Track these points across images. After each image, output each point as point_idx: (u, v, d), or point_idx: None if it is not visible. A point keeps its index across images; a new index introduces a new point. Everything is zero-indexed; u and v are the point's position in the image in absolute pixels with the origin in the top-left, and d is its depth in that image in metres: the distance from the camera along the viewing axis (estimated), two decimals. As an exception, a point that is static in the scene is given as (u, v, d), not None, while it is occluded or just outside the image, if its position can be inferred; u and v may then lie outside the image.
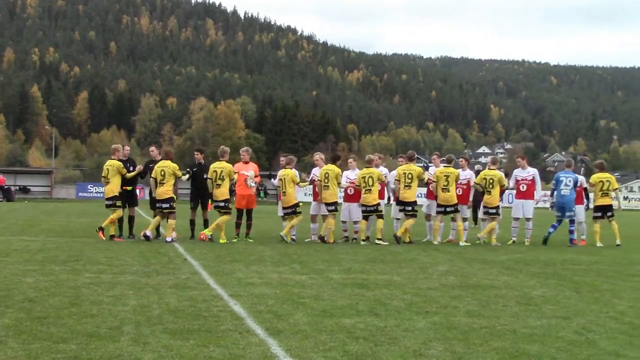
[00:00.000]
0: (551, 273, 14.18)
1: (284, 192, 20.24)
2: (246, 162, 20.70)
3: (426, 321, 8.97)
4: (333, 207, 20.49)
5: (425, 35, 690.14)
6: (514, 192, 22.41)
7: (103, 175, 20.41)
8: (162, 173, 19.59)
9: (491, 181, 20.95)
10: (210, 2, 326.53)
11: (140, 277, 12.35)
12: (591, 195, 22.60)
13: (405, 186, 20.55)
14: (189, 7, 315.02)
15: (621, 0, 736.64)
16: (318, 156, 21.95)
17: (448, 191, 20.60)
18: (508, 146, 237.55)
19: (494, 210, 21.04)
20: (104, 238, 19.67)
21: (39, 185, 67.19)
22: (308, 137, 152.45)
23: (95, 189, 63.45)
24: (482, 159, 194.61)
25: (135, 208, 21.51)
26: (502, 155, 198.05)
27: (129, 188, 20.76)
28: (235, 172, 20.06)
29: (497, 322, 8.98)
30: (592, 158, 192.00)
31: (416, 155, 21.78)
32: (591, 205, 22.47)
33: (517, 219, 21.68)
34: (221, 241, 19.57)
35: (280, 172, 20.58)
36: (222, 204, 19.94)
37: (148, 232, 19.50)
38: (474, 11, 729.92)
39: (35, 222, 28.05)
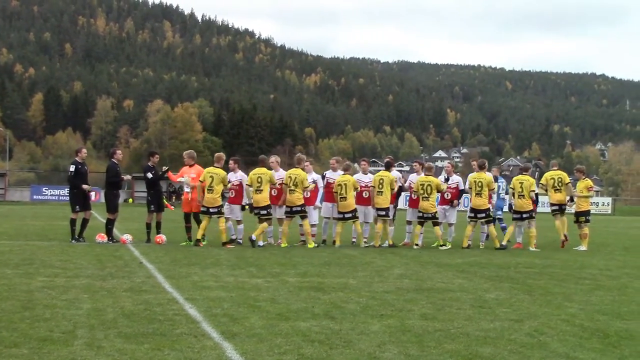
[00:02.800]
0: (505, 276, 14.33)
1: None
2: (191, 166, 20.67)
3: (381, 324, 9.02)
4: (384, 212, 20.85)
5: (382, 39, 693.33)
6: (469, 195, 22.53)
7: (201, 180, 20.07)
8: (259, 180, 19.88)
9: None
10: (168, 4, 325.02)
11: (95, 280, 12.26)
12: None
13: (477, 194, 20.99)
14: (146, 9, 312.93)
15: (573, 8, 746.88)
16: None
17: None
18: (464, 150, 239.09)
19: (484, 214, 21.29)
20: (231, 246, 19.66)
21: (-5, 187, 66.33)
22: (265, 141, 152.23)
23: (50, 192, 62.76)
24: (439, 163, 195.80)
25: (91, 212, 21.30)
26: (458, 160, 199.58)
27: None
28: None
29: (451, 325, 9.07)
30: (546, 163, 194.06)
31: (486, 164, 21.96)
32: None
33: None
34: (283, 245, 20.02)
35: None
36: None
37: (254, 237, 19.68)
38: (430, 16, 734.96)
39: (-12, 225, 27.70)
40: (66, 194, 34.60)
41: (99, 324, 8.65)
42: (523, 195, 21.09)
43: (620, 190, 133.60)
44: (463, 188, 22.06)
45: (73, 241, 19.85)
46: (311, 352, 7.52)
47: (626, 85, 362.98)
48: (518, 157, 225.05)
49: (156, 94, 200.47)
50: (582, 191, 22.11)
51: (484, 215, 21.04)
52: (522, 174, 21.80)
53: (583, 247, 21.51)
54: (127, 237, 19.93)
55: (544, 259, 18.39)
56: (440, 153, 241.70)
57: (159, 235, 20.13)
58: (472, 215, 21.14)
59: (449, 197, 21.36)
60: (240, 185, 20.31)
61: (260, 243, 20.04)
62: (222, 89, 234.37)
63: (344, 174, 20.95)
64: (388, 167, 21.89)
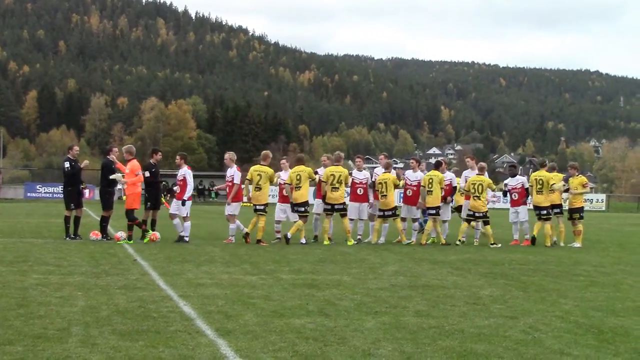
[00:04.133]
0: (499, 273, 14.35)
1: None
2: (128, 161, 20.46)
3: (375, 321, 9.03)
4: (434, 211, 21.09)
5: (376, 36, 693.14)
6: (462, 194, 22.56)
7: (249, 178, 20.26)
8: (298, 177, 19.96)
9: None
10: (161, 1, 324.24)
11: (89, 277, 12.25)
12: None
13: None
14: (139, 7, 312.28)
15: (567, 4, 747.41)
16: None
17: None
18: (458, 147, 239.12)
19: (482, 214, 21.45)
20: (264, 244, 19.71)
21: (-12, 185, 66.14)
22: (259, 138, 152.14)
23: (44, 189, 62.61)
24: (433, 160, 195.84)
25: (83, 209, 21.26)
26: (452, 157, 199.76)
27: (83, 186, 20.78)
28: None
29: (445, 322, 9.07)
30: (541, 160, 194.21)
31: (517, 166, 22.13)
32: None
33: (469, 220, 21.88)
34: (325, 243, 20.14)
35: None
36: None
37: (289, 234, 19.88)
38: (423, 13, 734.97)
39: (-18, 222, 27.64)
40: (60, 191, 34.55)
41: (93, 321, 8.64)
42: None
43: (614, 186, 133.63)
44: (456, 185, 22.12)
45: (67, 238, 19.83)
46: (306, 349, 7.52)
47: (620, 82, 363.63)
48: (512, 154, 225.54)
49: (150, 91, 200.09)
50: (576, 188, 22.14)
51: (482, 215, 21.15)
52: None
53: (577, 244, 21.57)
54: (121, 235, 19.89)
55: (539, 255, 18.41)
56: (434, 150, 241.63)
57: (153, 232, 20.09)
58: (471, 214, 21.21)
59: (443, 194, 21.37)
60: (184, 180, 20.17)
61: (303, 240, 20.22)
62: (216, 86, 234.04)
63: (385, 172, 21.28)
64: (438, 166, 22.06)
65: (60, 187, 39.14)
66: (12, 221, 28.62)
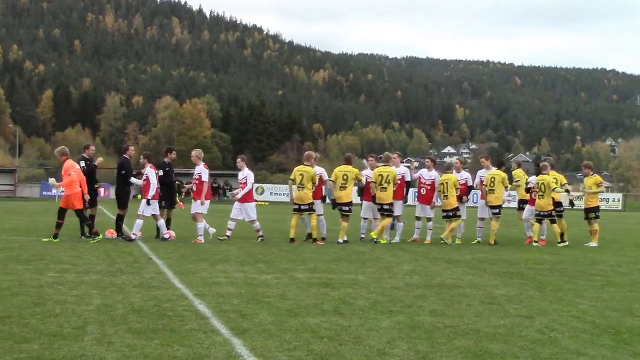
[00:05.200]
0: (515, 272, 14.30)
1: (302, 187, 20.13)
2: (63, 162, 20.32)
3: (390, 320, 9.00)
4: (498, 210, 21.49)
5: (391, 35, 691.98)
6: (479, 192, 22.54)
7: (292, 178, 20.38)
8: (345, 177, 20.20)
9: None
10: (176, 0, 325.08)
11: (104, 276, 12.28)
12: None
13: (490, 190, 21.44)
14: (154, 6, 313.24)
15: (583, 2, 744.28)
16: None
17: (385, 190, 20.59)
18: (473, 146, 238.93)
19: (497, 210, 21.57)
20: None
21: (2, 183, 66.47)
22: (274, 137, 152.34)
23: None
24: (447, 159, 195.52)
25: (97, 207, 21.32)
26: (467, 156, 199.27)
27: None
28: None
29: (461, 321, 9.04)
30: (556, 159, 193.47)
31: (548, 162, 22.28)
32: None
33: (482, 218, 21.82)
34: (382, 242, 20.31)
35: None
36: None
37: (341, 240, 20.09)
38: (438, 11, 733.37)
39: (-2, 221, 27.77)
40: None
41: (108, 319, 8.65)
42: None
43: (631, 186, 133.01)
44: (472, 184, 22.10)
45: (83, 237, 19.89)
46: (320, 348, 7.50)
47: (636, 81, 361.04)
48: (527, 153, 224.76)
49: (165, 90, 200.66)
50: (590, 187, 22.04)
51: (547, 214, 21.22)
52: (445, 172, 21.80)
53: (593, 244, 21.48)
54: (137, 234, 19.93)
55: (554, 255, 18.34)
56: (449, 149, 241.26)
57: (168, 231, 20.10)
58: (538, 214, 21.14)
59: (459, 194, 21.35)
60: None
61: (344, 239, 20.30)
62: (231, 85, 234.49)
63: (446, 173, 21.41)
64: (500, 166, 22.38)
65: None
66: (28, 220, 28.76)
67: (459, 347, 7.73)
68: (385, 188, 20.37)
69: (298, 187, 20.04)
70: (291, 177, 20.49)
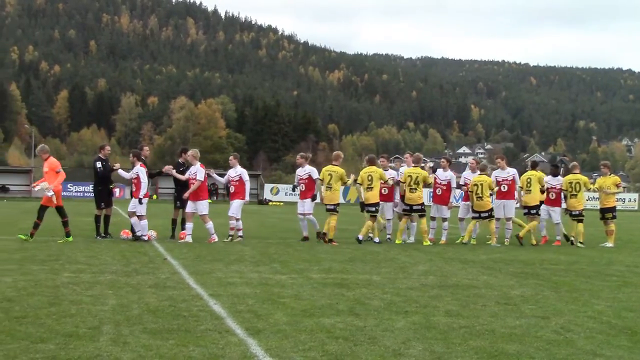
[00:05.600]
0: (530, 273, 14.25)
1: (330, 187, 20.25)
2: (45, 160, 20.28)
3: (406, 321, 8.99)
4: (535, 211, 21.62)
5: (406, 35, 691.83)
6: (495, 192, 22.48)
7: (321, 178, 20.46)
8: (370, 178, 20.20)
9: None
10: (191, 1, 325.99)
11: (120, 276, 12.30)
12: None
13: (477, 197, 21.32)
14: (169, 6, 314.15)
15: (599, 1, 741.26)
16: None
17: (481, 199, 21.09)
18: (488, 146, 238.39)
19: (534, 210, 21.71)
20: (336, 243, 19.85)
21: (18, 184, 66.62)
22: (289, 137, 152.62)
23: (75, 188, 63.06)
24: (463, 159, 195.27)
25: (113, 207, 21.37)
26: (482, 156, 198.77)
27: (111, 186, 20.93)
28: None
29: (476, 322, 9.02)
30: (571, 159, 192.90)
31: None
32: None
33: (497, 219, 21.76)
34: (397, 242, 20.45)
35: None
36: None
37: (360, 237, 20.10)
38: (453, 11, 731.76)
39: (14, 221, 27.88)
40: (90, 190, 34.75)
41: (124, 319, 8.67)
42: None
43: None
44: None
45: (98, 237, 19.95)
46: (335, 349, 7.49)
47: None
48: (543, 153, 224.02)
49: (180, 90, 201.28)
50: (609, 187, 22.00)
51: (577, 213, 21.42)
52: (480, 174, 21.86)
53: (610, 244, 21.42)
54: (151, 233, 19.97)
55: (570, 255, 18.28)
56: (464, 149, 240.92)
57: (183, 231, 20.12)
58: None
59: (441, 194, 21.44)
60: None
61: (377, 239, 20.43)
62: (246, 85, 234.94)
63: (480, 174, 21.51)
64: (534, 166, 22.75)
65: (90, 186, 39.36)
66: (43, 220, 28.80)
67: (475, 347, 7.71)
68: (415, 189, 20.51)
69: (326, 187, 20.09)
70: (320, 176, 20.51)
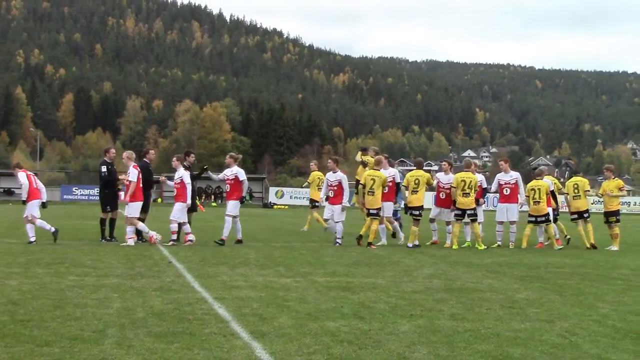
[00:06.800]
0: (535, 276, 14.23)
1: (372, 192, 20.27)
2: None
3: (410, 324, 8.99)
4: (587, 215, 21.83)
5: (410, 38, 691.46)
6: (498, 196, 22.50)
7: (362, 183, 20.54)
8: (416, 182, 20.55)
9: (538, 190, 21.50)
10: (196, 4, 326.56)
11: (124, 279, 12.32)
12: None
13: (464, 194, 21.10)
14: (174, 10, 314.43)
15: (603, 4, 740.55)
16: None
17: (538, 204, 21.23)
18: (493, 150, 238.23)
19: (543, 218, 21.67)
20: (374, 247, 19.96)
21: (23, 187, 66.79)
22: (294, 140, 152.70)
23: (80, 192, 63.17)
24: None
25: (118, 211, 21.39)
26: (487, 159, 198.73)
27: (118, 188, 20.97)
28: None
29: (481, 326, 9.01)
30: (577, 162, 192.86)
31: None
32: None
33: (501, 222, 21.74)
34: (454, 247, 20.42)
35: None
36: (416, 212, 20.55)
37: (411, 244, 20.21)
38: (457, 15, 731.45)
39: (19, 224, 27.89)
40: (96, 193, 34.85)
41: (129, 323, 8.68)
42: (539, 202, 21.34)
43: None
44: (486, 187, 22.21)
45: (103, 240, 19.97)
46: (340, 352, 7.49)
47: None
48: (548, 157, 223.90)
49: (185, 94, 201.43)
50: (612, 190, 22.03)
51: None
52: (535, 179, 21.92)
53: (614, 247, 21.41)
54: (156, 236, 19.98)
55: (575, 258, 18.25)
56: (469, 152, 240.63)
57: (188, 234, 20.10)
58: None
59: (444, 197, 21.47)
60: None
61: (415, 242, 20.40)
62: (251, 88, 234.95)
63: (537, 179, 21.70)
64: (576, 173, 22.89)
65: (96, 189, 39.51)
66: (48, 223, 28.84)
67: (480, 351, 7.70)
68: (468, 193, 20.61)
69: (368, 191, 20.17)
70: (362, 181, 20.62)
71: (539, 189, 21.28)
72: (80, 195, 62.59)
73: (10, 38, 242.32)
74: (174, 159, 20.60)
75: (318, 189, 24.86)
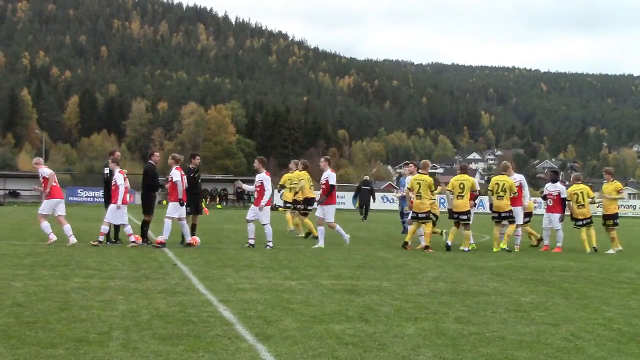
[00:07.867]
0: (540, 280, 14.22)
1: (420, 196, 20.25)
2: None
3: (415, 327, 8.98)
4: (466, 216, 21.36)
5: (416, 41, 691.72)
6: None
7: (409, 187, 20.69)
8: (461, 186, 20.51)
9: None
10: (202, 6, 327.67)
11: (129, 282, 12.32)
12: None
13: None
14: (180, 12, 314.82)
15: (609, 7, 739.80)
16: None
17: (583, 207, 21.63)
18: (498, 152, 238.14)
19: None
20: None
21: (29, 189, 66.79)
22: (299, 142, 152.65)
23: (85, 193, 63.20)
24: (473, 165, 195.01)
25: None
26: (492, 162, 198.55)
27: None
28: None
29: (486, 329, 9.00)
30: (582, 165, 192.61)
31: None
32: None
33: (504, 225, 21.69)
34: (495, 249, 20.53)
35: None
36: (464, 217, 20.55)
37: (466, 249, 20.36)
38: (464, 17, 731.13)
39: (25, 226, 27.95)
40: (101, 195, 34.86)
41: (134, 325, 8.69)
42: (583, 205, 21.65)
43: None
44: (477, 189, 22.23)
45: (108, 243, 19.98)
46: (345, 355, 7.49)
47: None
48: (553, 160, 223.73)
49: (190, 96, 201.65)
50: (610, 193, 22.06)
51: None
52: (575, 183, 22.23)
53: (612, 251, 21.41)
54: (161, 239, 19.97)
55: (580, 262, 18.22)
56: (475, 155, 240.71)
57: (193, 237, 20.13)
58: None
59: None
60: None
61: (466, 249, 20.41)
62: (256, 91, 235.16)
63: (578, 183, 22.09)
64: (578, 178, 23.09)
65: (101, 191, 39.49)
66: (54, 225, 28.87)
67: (485, 354, 7.69)
68: (502, 196, 20.68)
69: (416, 195, 20.18)
70: (408, 186, 20.79)
71: (581, 193, 21.65)
72: (85, 197, 62.62)
73: (16, 40, 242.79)
74: (170, 157, 20.43)
75: (290, 190, 24.82)
